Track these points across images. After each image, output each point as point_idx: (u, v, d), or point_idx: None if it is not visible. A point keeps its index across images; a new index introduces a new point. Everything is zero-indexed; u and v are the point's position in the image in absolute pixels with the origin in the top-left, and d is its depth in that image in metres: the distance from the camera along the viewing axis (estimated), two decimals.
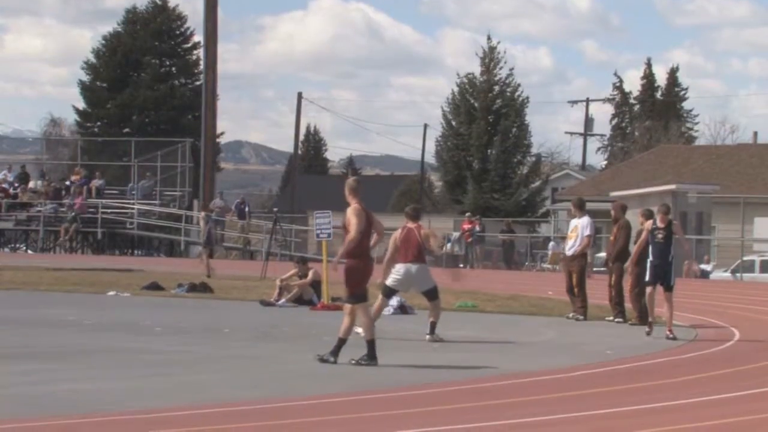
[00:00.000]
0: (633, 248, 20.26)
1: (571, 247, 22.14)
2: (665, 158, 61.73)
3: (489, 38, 70.07)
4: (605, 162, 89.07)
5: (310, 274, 24.02)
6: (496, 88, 68.78)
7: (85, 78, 77.77)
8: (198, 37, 74.01)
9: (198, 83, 71.23)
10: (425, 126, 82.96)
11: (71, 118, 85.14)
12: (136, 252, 52.01)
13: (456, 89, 69.30)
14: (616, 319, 21.40)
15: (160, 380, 12.71)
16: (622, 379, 13.50)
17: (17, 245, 52.56)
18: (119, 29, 78.53)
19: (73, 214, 48.80)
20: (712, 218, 43.67)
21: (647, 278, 18.86)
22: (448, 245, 48.00)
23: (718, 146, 74.29)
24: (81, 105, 77.95)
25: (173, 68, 78.42)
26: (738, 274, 40.77)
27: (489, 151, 67.82)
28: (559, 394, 11.92)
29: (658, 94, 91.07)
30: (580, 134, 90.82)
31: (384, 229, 14.65)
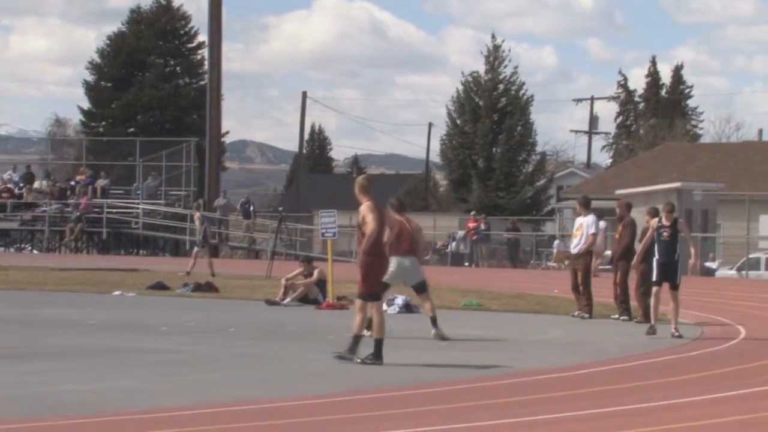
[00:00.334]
0: (638, 246, 20.25)
1: (576, 245, 22.13)
2: (670, 156, 61.65)
3: (493, 37, 70.27)
4: (610, 160, 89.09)
5: (316, 273, 24.02)
6: (501, 86, 68.82)
7: (90, 78, 77.79)
8: (202, 37, 74.13)
9: (202, 83, 71.25)
10: (430, 125, 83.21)
11: (76, 117, 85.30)
12: (141, 252, 52.02)
13: (461, 88, 69.44)
14: (622, 318, 21.39)
15: (165, 380, 12.71)
16: (627, 377, 13.48)
17: (23, 245, 52.58)
18: (123, 29, 78.50)
19: (78, 214, 48.86)
20: (717, 216, 43.61)
21: (654, 278, 18.83)
22: (453, 244, 48.04)
23: (724, 144, 74.29)
24: (86, 105, 78.00)
25: (178, 68, 78.39)
26: (743, 272, 40.74)
27: (494, 149, 67.87)
28: (565, 393, 11.90)
29: (663, 92, 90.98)
30: (585, 132, 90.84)
31: (420, 228, 14.52)
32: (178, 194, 51.81)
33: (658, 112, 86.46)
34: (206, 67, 61.83)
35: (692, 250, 18.96)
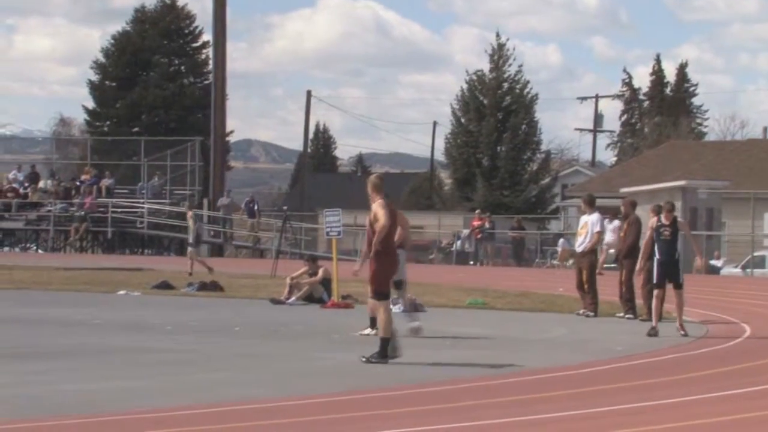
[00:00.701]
0: (642, 245, 20.22)
1: (581, 243, 22.12)
2: (675, 154, 61.60)
3: (498, 35, 70.24)
4: (615, 158, 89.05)
5: (320, 272, 24.02)
6: (505, 85, 68.77)
7: (95, 77, 77.84)
8: (207, 36, 74.01)
9: (207, 82, 71.22)
10: (434, 123, 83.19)
11: (81, 117, 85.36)
12: (146, 251, 52.09)
13: (465, 86, 69.36)
14: (627, 316, 21.37)
15: (169, 379, 12.70)
16: (632, 376, 13.46)
17: (28, 245, 52.65)
18: (128, 28, 78.54)
19: (83, 213, 48.90)
20: (722, 214, 43.59)
21: (654, 279, 18.79)
22: (458, 242, 48.03)
23: (728, 142, 74.17)
24: (90, 104, 78.04)
25: (182, 67, 78.43)
26: (748, 270, 40.69)
27: (498, 148, 67.81)
28: (569, 391, 11.89)
29: (668, 90, 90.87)
30: (590, 131, 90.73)
31: (409, 224, 14.46)
32: (182, 193, 51.82)
33: (663, 110, 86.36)
34: (211, 66, 61.81)
35: (694, 249, 18.92)
